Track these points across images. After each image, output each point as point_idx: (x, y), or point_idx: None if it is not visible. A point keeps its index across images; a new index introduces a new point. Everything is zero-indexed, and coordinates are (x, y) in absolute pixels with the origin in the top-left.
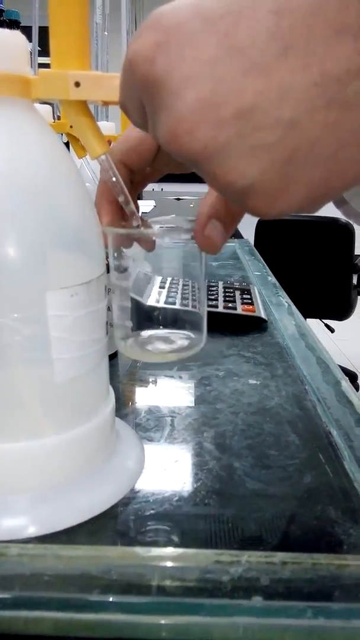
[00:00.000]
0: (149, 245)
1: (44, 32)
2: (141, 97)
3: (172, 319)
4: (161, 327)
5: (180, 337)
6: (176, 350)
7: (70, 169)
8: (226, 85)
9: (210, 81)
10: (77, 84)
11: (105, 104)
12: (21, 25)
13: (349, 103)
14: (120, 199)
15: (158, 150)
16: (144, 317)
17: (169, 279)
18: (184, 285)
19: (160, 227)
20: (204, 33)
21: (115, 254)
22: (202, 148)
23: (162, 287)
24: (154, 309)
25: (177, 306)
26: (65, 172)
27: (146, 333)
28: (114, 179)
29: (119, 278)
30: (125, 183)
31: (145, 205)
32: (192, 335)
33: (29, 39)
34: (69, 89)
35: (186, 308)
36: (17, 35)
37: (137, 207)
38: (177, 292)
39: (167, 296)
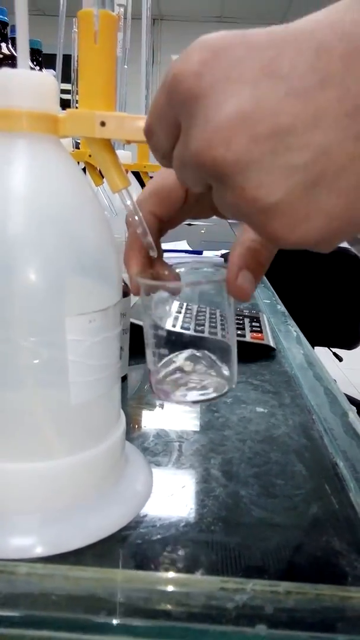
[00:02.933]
0: (175, 292)
1: (65, 59)
2: (179, 112)
3: (203, 353)
4: (192, 365)
5: (211, 379)
6: (207, 395)
7: (91, 201)
8: (265, 104)
9: (251, 99)
10: (103, 124)
11: (128, 142)
12: (43, 53)
13: None
14: (139, 230)
15: (184, 201)
16: (174, 350)
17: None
18: (220, 318)
19: (187, 277)
20: (249, 59)
21: (146, 301)
22: (235, 160)
23: (200, 324)
24: (184, 341)
25: (205, 334)
26: (87, 204)
27: (176, 374)
28: (131, 206)
29: (150, 325)
30: (154, 232)
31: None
32: (222, 376)
33: (51, 66)
34: (94, 128)
35: (216, 337)
36: (47, 76)
37: (161, 251)
38: (207, 321)
39: (196, 324)
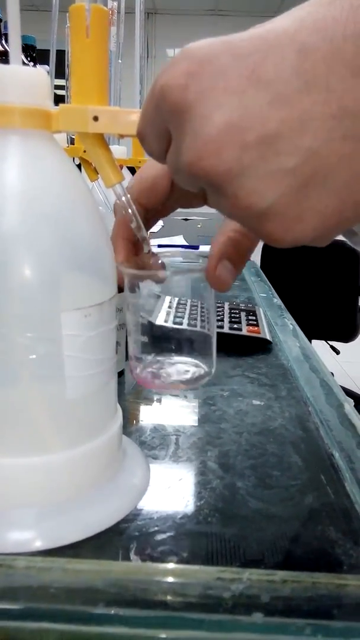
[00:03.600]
0: (159, 280)
1: (59, 55)
2: (168, 122)
3: (184, 343)
4: (172, 353)
5: (191, 365)
6: (188, 381)
7: (85, 196)
8: (252, 113)
9: (238, 109)
10: (96, 118)
11: (121, 136)
12: (37, 49)
13: None
14: (133, 224)
15: (171, 189)
16: (156, 341)
17: (190, 304)
18: (201, 308)
19: (171, 267)
20: (234, 67)
21: (130, 289)
22: (227, 169)
23: (181, 312)
24: (165, 333)
25: (184, 327)
26: (81, 199)
27: (157, 360)
28: (125, 201)
29: (134, 313)
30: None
31: (154, 226)
32: (202, 362)
33: (46, 62)
34: (87, 123)
35: (195, 329)
36: (40, 72)
37: (148, 240)
38: (187, 314)
39: (175, 316)
